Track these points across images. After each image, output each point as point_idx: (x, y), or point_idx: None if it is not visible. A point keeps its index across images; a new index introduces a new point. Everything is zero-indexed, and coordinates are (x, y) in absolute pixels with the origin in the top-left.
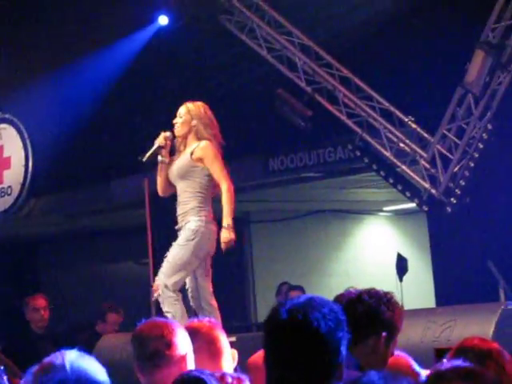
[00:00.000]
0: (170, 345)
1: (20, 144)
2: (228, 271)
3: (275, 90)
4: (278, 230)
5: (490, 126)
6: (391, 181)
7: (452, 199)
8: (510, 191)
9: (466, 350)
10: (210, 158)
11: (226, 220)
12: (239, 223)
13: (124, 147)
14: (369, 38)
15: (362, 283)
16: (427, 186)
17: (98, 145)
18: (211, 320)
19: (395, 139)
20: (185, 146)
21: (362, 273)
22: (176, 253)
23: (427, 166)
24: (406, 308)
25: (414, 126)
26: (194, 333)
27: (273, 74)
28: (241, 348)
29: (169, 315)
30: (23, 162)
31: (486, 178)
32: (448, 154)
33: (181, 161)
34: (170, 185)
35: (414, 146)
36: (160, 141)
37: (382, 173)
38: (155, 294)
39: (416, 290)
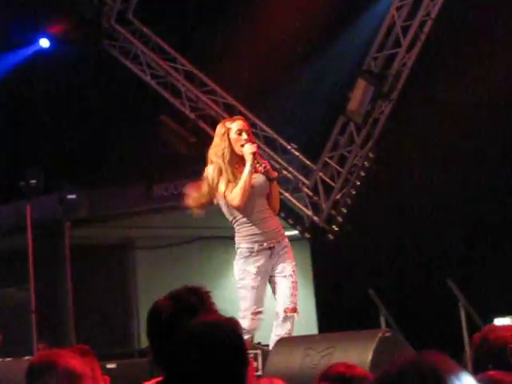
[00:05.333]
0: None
1: None
2: (112, 297)
3: (159, 116)
4: (162, 256)
5: (371, 154)
6: None
7: (334, 226)
8: (391, 219)
9: (329, 376)
10: None
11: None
12: (123, 249)
13: (5, 172)
14: None
15: None
16: (309, 213)
17: None
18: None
19: (278, 166)
20: (243, 165)
21: None
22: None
23: (310, 193)
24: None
25: (296, 153)
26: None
27: (157, 100)
28: (121, 374)
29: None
30: None
31: (368, 205)
32: (330, 182)
33: (261, 178)
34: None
35: (296, 174)
36: (253, 149)
37: None
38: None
39: (300, 317)
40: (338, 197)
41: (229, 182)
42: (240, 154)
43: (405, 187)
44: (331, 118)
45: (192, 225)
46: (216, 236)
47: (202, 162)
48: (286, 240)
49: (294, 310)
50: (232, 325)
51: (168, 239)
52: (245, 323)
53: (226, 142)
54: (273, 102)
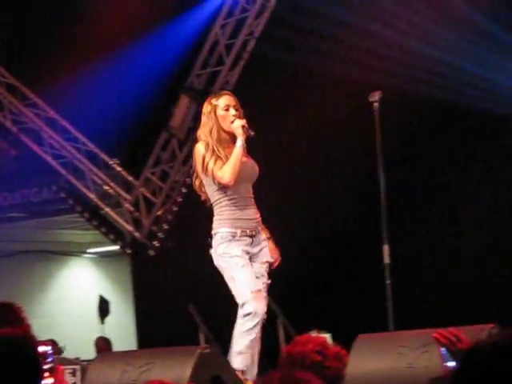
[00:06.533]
0: None
1: None
2: None
3: None
4: None
5: (192, 171)
6: (95, 223)
7: (155, 243)
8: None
9: None
10: None
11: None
12: None
13: None
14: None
15: (65, 325)
16: (131, 228)
17: None
18: None
19: (100, 181)
20: (233, 144)
21: (65, 314)
22: None
23: (131, 208)
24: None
25: (118, 168)
26: None
27: None
28: None
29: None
30: None
31: (189, 221)
32: (152, 198)
33: (252, 162)
34: None
35: (118, 189)
36: (242, 123)
37: (86, 215)
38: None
39: (119, 333)
40: (159, 213)
41: (218, 159)
42: (229, 130)
43: None
44: (154, 133)
45: (12, 238)
46: (36, 250)
47: (23, 175)
48: (264, 235)
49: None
50: (23, 338)
51: None
52: (249, 307)
53: (213, 120)
54: (95, 118)
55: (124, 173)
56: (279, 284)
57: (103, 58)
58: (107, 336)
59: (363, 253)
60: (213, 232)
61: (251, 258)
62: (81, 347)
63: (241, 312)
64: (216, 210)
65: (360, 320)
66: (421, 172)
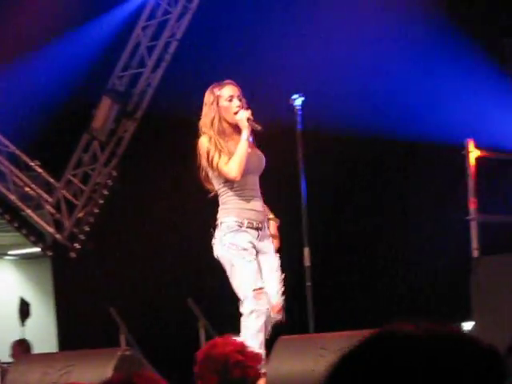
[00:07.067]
0: None
1: None
2: None
3: None
4: None
5: (114, 173)
6: (16, 225)
7: (76, 244)
8: (134, 238)
9: None
10: None
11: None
12: None
13: None
14: None
15: None
16: (52, 230)
17: None
18: None
19: (21, 183)
20: (238, 135)
21: None
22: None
23: (52, 210)
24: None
25: (39, 170)
26: None
27: None
28: None
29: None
30: None
31: (111, 224)
32: (73, 200)
33: (259, 153)
34: None
35: (39, 191)
36: (247, 115)
37: (6, 216)
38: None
39: (40, 335)
40: (80, 215)
41: (222, 153)
42: (232, 122)
43: (148, 205)
44: (75, 135)
45: None
46: None
47: None
48: (269, 230)
49: (280, 310)
50: None
51: None
52: (250, 305)
53: (215, 111)
54: (15, 119)
55: (45, 174)
56: (199, 286)
57: (23, 59)
58: (28, 338)
59: (284, 255)
60: (217, 221)
61: (259, 252)
62: (1, 350)
63: (242, 311)
64: (222, 200)
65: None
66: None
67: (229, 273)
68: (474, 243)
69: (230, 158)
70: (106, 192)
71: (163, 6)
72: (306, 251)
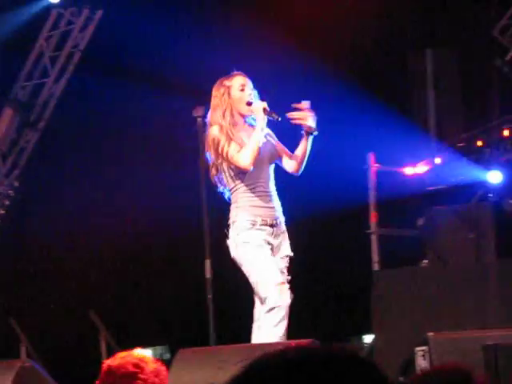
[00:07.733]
0: None
1: None
2: None
3: None
4: None
5: (16, 183)
6: None
7: None
8: (40, 249)
9: None
10: None
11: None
12: None
13: None
14: None
15: None
16: None
17: None
18: None
19: None
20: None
21: None
22: None
23: None
24: None
25: None
26: None
27: None
28: None
29: None
30: None
31: (13, 234)
32: None
33: (270, 143)
34: None
35: None
36: (264, 105)
37: None
38: None
39: None
40: None
41: (232, 140)
42: (246, 113)
43: (53, 215)
44: None
45: None
46: None
47: None
48: (284, 225)
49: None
50: None
51: None
52: (272, 301)
53: (227, 102)
54: None
55: None
56: (103, 300)
57: None
58: None
59: (186, 266)
60: (230, 221)
61: (272, 250)
62: None
63: (263, 308)
64: (233, 198)
65: (181, 335)
66: None
67: (247, 272)
68: (375, 256)
69: (242, 148)
70: (7, 202)
71: (66, 17)
72: (207, 263)
